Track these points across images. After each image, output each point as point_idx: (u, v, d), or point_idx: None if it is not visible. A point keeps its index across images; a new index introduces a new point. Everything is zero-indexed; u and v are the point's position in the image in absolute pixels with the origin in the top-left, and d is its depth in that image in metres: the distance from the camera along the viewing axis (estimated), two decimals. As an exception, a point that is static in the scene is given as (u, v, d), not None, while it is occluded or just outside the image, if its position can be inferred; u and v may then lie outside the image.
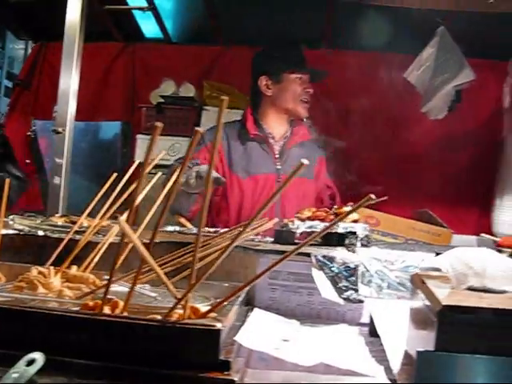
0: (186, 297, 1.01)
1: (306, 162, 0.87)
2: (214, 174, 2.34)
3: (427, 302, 0.98)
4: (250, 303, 1.55)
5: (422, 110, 3.44)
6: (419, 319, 1.06)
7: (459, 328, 0.91)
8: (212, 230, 2.01)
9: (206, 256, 1.28)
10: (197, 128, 0.93)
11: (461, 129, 3.79)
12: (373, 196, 0.94)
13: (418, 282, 1.07)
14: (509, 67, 3.75)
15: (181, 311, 1.07)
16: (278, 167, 2.76)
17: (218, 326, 0.99)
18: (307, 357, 1.13)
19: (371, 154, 3.76)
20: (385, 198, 2.73)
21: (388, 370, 1.08)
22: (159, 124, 0.91)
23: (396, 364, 1.06)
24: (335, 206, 1.98)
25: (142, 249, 0.95)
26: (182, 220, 2.39)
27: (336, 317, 1.55)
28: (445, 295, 0.96)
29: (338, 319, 1.54)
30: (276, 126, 2.82)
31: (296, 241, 1.75)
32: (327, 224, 1.76)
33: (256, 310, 1.49)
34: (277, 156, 2.77)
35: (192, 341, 1.00)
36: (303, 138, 2.86)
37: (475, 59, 3.58)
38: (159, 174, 1.61)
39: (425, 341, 0.96)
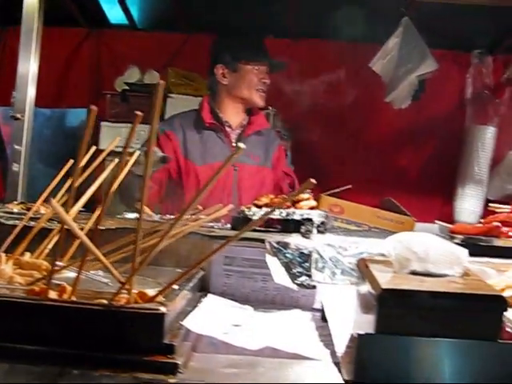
0: (130, 281, 1.01)
1: (242, 145, 0.87)
2: (159, 153, 2.36)
3: (370, 286, 0.99)
4: (204, 289, 1.55)
5: (387, 100, 3.47)
6: (364, 303, 1.08)
7: (398, 311, 0.93)
8: (172, 216, 2.01)
9: (156, 243, 1.28)
10: (137, 112, 0.92)
11: (425, 118, 3.85)
12: (313, 180, 0.94)
13: (363, 267, 1.09)
14: (472, 58, 3.81)
15: (131, 297, 1.07)
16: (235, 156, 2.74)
17: (162, 309, 0.99)
18: (255, 341, 1.14)
19: (336, 142, 3.79)
20: (349, 186, 2.77)
21: (333, 353, 1.10)
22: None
23: (341, 347, 1.07)
24: (293, 193, 1.98)
25: (79, 232, 0.94)
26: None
27: (290, 302, 1.56)
28: (386, 279, 0.98)
29: (292, 305, 1.55)
30: (233, 114, 2.81)
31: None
32: (284, 211, 1.78)
33: (210, 295, 1.50)
34: (234, 144, 2.76)
35: (136, 325, 1.00)
36: (261, 127, 2.86)
37: (439, 50, 3.63)
38: (116, 160, 1.59)
39: (367, 324, 0.98)
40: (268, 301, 1.56)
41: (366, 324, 0.99)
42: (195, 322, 1.17)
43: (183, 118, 2.82)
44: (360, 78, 3.64)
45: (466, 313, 0.93)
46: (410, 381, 0.94)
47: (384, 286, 0.92)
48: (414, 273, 1.03)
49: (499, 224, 1.69)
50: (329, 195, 2.60)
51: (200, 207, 1.46)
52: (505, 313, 1.02)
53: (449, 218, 3.53)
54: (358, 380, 0.94)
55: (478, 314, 0.94)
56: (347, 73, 3.66)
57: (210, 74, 2.82)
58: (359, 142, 3.80)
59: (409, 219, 2.52)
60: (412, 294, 0.92)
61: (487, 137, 3.71)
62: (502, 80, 3.87)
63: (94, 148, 1.57)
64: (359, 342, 0.94)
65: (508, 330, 1.00)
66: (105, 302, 1.03)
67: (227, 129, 2.79)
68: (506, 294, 1.17)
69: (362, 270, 1.09)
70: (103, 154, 1.47)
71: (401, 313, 0.92)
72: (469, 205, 3.59)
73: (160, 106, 0.87)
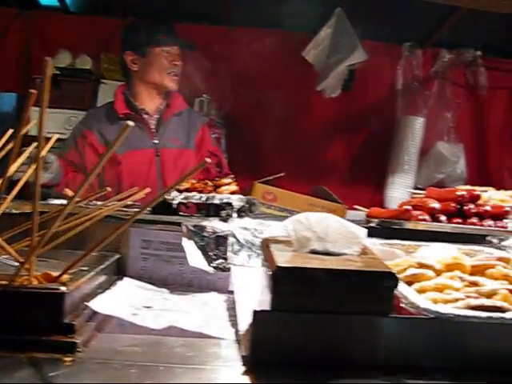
0: (29, 260, 1.00)
1: (131, 123, 0.87)
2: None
3: (268, 265, 1.02)
4: (122, 272, 1.55)
5: (318, 88, 3.53)
6: (265, 282, 1.10)
7: (293, 288, 0.95)
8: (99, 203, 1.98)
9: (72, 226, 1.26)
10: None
11: (357, 108, 3.92)
12: (208, 159, 0.95)
13: (264, 247, 1.11)
14: (403, 50, 3.91)
15: (32, 278, 1.06)
16: (156, 141, 2.72)
17: (62, 289, 0.99)
18: (162, 322, 1.15)
19: (271, 130, 3.81)
20: (282, 174, 2.80)
21: (237, 332, 1.12)
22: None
23: (243, 326, 1.09)
24: (216, 178, 1.99)
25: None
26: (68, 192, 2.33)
27: (207, 285, 1.58)
28: (284, 258, 1.00)
29: (209, 287, 1.57)
30: (148, 100, 2.78)
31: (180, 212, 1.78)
32: (204, 196, 1.79)
33: (126, 278, 1.50)
34: (153, 130, 2.73)
35: (36, 304, 0.99)
36: (179, 108, 2.84)
37: (372, 41, 3.69)
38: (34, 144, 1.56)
39: (266, 302, 1.00)
40: (185, 283, 1.58)
41: (265, 302, 1.01)
42: (102, 303, 1.17)
43: (98, 112, 2.81)
44: (294, 67, 3.68)
45: (359, 289, 0.97)
46: (307, 357, 0.97)
47: (279, 264, 0.95)
48: (313, 252, 1.06)
49: (410, 208, 1.75)
50: (262, 183, 2.63)
51: (109, 189, 1.45)
52: (401, 289, 1.07)
53: (379, 205, 3.62)
54: (255, 356, 0.97)
55: (371, 290, 0.97)
56: (281, 61, 3.70)
57: (120, 61, 2.78)
58: (293, 131, 3.83)
59: (340, 206, 2.58)
60: (306, 271, 0.95)
61: (416, 127, 3.81)
62: (431, 72, 3.99)
63: (10, 131, 1.55)
64: (255, 319, 0.96)
65: (402, 305, 1.05)
66: (4, 282, 1.02)
67: (144, 116, 2.75)
68: (407, 272, 1.23)
69: (264, 249, 1.11)
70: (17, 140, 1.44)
71: (295, 290, 0.95)
72: (398, 193, 3.69)
73: (48, 89, 0.87)
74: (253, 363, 0.97)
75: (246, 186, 2.53)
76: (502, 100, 4.19)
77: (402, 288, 1.08)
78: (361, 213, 3.00)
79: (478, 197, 1.80)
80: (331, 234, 1.08)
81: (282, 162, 3.66)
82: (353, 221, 1.29)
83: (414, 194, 2.08)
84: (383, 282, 0.97)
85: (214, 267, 1.52)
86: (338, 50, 3.39)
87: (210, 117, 3.48)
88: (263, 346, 0.97)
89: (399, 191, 3.75)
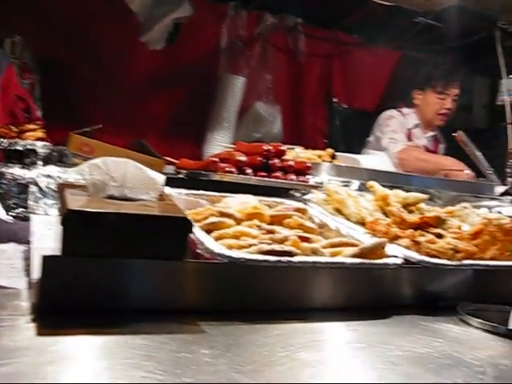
0: None
1: None
2: None
3: (61, 209, 0.99)
4: None
5: (142, 40, 3.43)
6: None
7: (84, 232, 0.93)
8: None
9: None
10: None
11: (180, 63, 3.87)
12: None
13: (59, 191, 1.07)
14: (228, 10, 3.94)
15: None
16: None
17: None
18: None
19: (90, 80, 3.65)
20: (99, 125, 2.70)
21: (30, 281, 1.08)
22: None
23: (36, 274, 1.05)
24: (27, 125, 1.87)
25: None
26: None
27: (7, 235, 1.48)
28: (77, 202, 0.97)
29: (9, 238, 1.48)
30: None
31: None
32: (6, 141, 1.67)
33: None
34: None
35: None
36: None
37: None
38: None
39: (58, 248, 0.97)
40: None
41: (58, 248, 0.98)
42: None
43: None
44: (119, 15, 3.52)
45: (152, 234, 0.97)
46: (98, 302, 0.96)
47: (71, 208, 0.92)
48: (110, 197, 1.05)
49: (217, 160, 1.80)
50: (79, 134, 2.52)
51: None
52: (198, 236, 1.10)
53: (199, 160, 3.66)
54: (45, 303, 0.93)
55: (164, 235, 0.99)
56: (105, 8, 3.53)
57: None
58: (115, 82, 3.70)
59: (159, 161, 2.56)
60: (97, 215, 0.93)
61: (237, 86, 3.89)
62: (255, 34, 4.09)
63: None
64: (45, 265, 0.92)
65: (199, 251, 1.09)
66: None
67: None
68: (208, 220, 1.26)
69: (58, 194, 1.07)
70: None
71: (87, 234, 0.93)
72: (217, 149, 3.75)
73: None
74: (42, 311, 0.93)
75: (64, 138, 2.41)
76: (317, 67, 4.44)
77: (199, 234, 1.11)
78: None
79: (283, 152, 1.90)
80: (129, 179, 1.07)
81: (102, 113, 3.52)
82: (164, 173, 1.29)
83: (226, 147, 2.14)
84: (176, 227, 0.99)
85: (14, 216, 1.44)
86: (164, 2, 3.32)
87: (23, 60, 3.23)
88: (53, 293, 0.93)
89: (218, 147, 3.80)
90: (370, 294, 1.16)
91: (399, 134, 3.73)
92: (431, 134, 3.89)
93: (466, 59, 3.96)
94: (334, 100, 4.40)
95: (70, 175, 1.54)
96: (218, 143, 3.77)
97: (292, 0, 3.91)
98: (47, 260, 0.93)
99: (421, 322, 1.09)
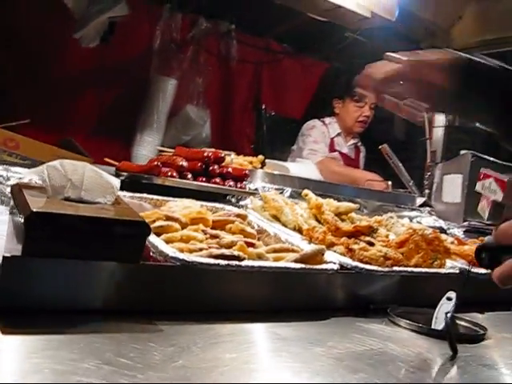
0: None
1: None
2: None
3: (21, 210, 1.00)
4: None
5: (75, 36, 3.39)
6: (17, 228, 1.08)
7: (46, 234, 0.95)
8: None
9: None
10: None
11: (113, 62, 3.86)
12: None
13: (16, 192, 1.09)
14: (164, 12, 3.96)
15: None
16: None
17: None
18: None
19: (19, 75, 3.56)
20: (26, 120, 2.65)
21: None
22: None
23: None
24: None
25: None
26: None
27: None
28: (38, 204, 0.99)
29: None
30: None
31: None
32: None
33: None
34: None
35: None
36: None
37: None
38: None
39: (17, 249, 0.98)
40: None
41: (16, 249, 0.99)
42: None
43: None
44: (54, 10, 3.45)
45: (111, 237, 1.01)
46: (55, 303, 0.98)
47: (34, 210, 0.94)
48: (68, 199, 1.08)
49: (159, 164, 1.84)
50: (4, 128, 2.48)
51: None
52: (151, 239, 1.14)
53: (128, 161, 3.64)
54: (4, 304, 0.94)
55: (123, 238, 1.02)
56: (39, 1, 3.46)
57: None
58: (45, 77, 3.63)
59: (86, 160, 2.55)
60: (60, 217, 0.95)
61: (168, 88, 3.91)
62: (188, 38, 4.13)
63: None
64: (4, 265, 0.94)
65: (152, 254, 1.13)
66: None
67: None
68: (156, 224, 1.31)
69: (16, 195, 1.09)
70: None
71: (48, 236, 0.95)
72: (146, 151, 3.76)
73: None
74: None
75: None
76: (248, 73, 4.55)
77: (152, 238, 1.16)
78: (110, 167, 3.04)
79: (222, 159, 1.97)
80: (86, 182, 1.10)
81: (30, 109, 3.45)
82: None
83: (163, 151, 2.17)
84: (135, 230, 1.03)
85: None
86: (101, 0, 3.30)
87: None
88: (13, 294, 0.95)
89: (147, 149, 3.82)
90: (310, 297, 1.25)
91: (320, 145, 3.89)
92: (352, 142, 4.08)
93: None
94: (263, 106, 4.51)
95: (12, 173, 1.53)
96: (148, 145, 3.78)
97: (227, 6, 3.99)
98: (7, 260, 0.94)
99: (356, 323, 1.19)
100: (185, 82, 4.03)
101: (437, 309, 1.27)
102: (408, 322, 1.24)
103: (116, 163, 1.93)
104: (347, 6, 2.44)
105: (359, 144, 4.14)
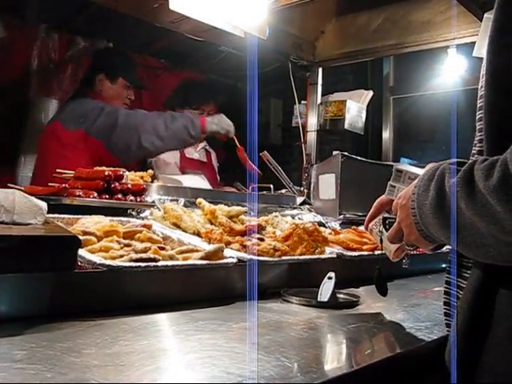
0: None
1: None
2: None
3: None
4: None
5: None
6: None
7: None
8: None
9: None
10: None
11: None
12: None
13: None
14: (39, 32, 3.99)
15: None
16: None
17: None
18: None
19: None
20: None
21: None
22: None
23: None
24: None
25: None
26: None
27: None
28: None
29: None
30: None
31: None
32: None
33: None
34: None
35: None
36: None
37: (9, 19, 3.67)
38: None
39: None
40: None
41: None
42: None
43: None
44: None
45: (50, 251, 1.18)
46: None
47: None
48: (2, 223, 1.23)
49: (67, 185, 1.98)
50: None
51: None
52: (79, 252, 1.32)
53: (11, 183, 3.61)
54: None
55: (60, 251, 1.20)
56: None
57: None
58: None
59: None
60: (4, 238, 1.12)
61: (50, 109, 3.97)
62: (66, 57, 4.19)
63: None
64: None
65: (80, 264, 1.31)
66: None
67: None
68: (82, 237, 1.48)
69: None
70: None
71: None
72: (30, 172, 3.74)
73: None
74: None
75: None
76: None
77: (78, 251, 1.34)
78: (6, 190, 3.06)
79: (121, 176, 2.15)
80: (17, 207, 1.26)
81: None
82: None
83: (64, 173, 2.28)
84: (69, 243, 1.21)
85: None
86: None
87: None
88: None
89: (31, 170, 3.81)
90: (216, 286, 1.50)
91: (171, 165, 4.00)
92: (201, 146, 4.22)
93: (263, 84, 4.51)
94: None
95: None
96: (31, 167, 3.77)
97: (103, 26, 4.09)
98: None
99: (257, 304, 1.45)
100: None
101: (321, 286, 1.56)
102: (298, 298, 1.52)
103: (21, 188, 2.03)
104: (222, 27, 2.68)
105: (207, 147, 4.30)
